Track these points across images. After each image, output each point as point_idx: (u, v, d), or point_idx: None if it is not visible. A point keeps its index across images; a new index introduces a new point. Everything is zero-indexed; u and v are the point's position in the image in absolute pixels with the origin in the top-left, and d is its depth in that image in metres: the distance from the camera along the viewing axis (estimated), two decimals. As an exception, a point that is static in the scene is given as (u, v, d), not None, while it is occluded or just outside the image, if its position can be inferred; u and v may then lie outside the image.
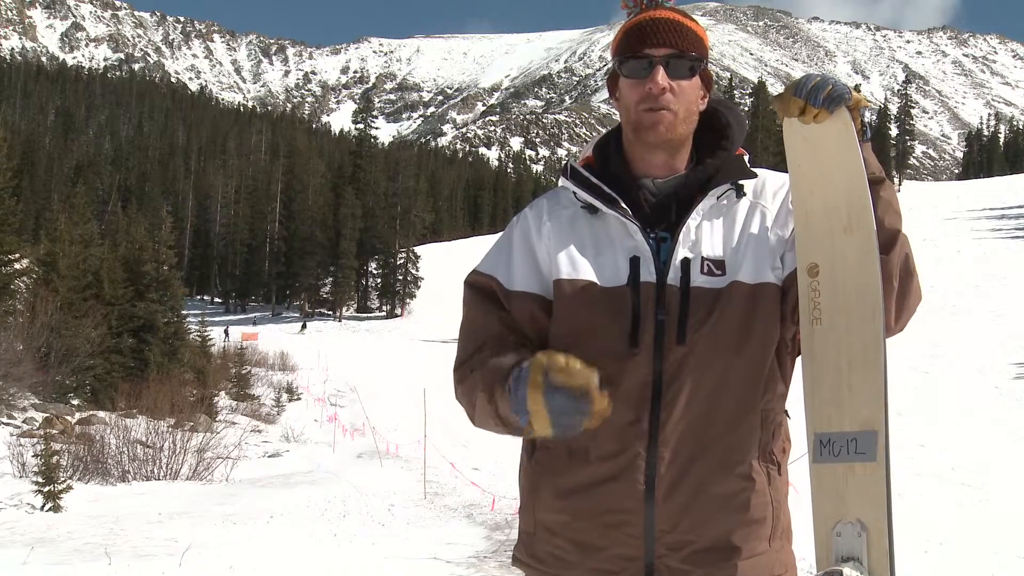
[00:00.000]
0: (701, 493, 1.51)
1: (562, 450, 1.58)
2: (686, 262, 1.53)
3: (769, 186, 1.63)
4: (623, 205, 1.56)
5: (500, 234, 1.72)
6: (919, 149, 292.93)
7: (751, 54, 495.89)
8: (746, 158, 1.64)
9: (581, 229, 1.60)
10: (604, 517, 1.53)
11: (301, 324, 56.75)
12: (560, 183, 1.67)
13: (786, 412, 1.65)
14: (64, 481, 8.25)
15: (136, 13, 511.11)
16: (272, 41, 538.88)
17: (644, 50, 1.55)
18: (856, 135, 1.45)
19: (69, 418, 15.41)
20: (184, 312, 25.68)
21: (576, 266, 1.57)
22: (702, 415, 1.50)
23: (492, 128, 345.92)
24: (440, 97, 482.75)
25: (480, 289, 1.64)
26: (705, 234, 1.56)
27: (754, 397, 1.53)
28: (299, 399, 25.79)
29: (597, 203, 1.58)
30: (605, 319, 1.53)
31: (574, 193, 1.62)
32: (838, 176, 1.48)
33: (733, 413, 1.52)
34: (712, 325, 1.51)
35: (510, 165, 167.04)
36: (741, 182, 1.60)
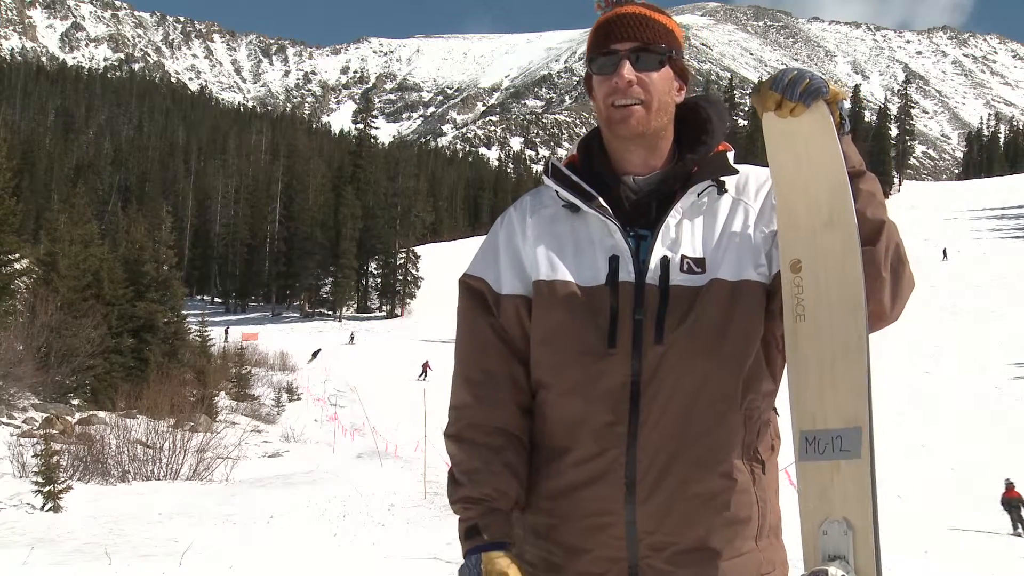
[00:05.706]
0: (682, 493, 1.49)
1: (546, 454, 1.58)
2: (665, 260, 1.52)
3: (752, 182, 1.62)
4: (602, 203, 1.56)
5: (489, 233, 1.72)
6: (919, 149, 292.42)
7: (751, 54, 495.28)
8: (730, 154, 1.63)
9: (562, 228, 1.60)
10: (587, 520, 1.52)
11: (349, 335, 48.92)
12: (544, 182, 1.67)
13: (775, 410, 1.63)
14: (64, 481, 8.27)
15: (136, 13, 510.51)
16: (272, 41, 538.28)
17: (611, 46, 1.56)
18: (835, 128, 1.44)
19: (69, 418, 15.42)
20: (184, 312, 25.71)
21: (554, 266, 1.57)
22: (682, 415, 1.49)
23: (492, 128, 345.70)
24: (440, 97, 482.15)
25: (473, 293, 1.65)
26: (685, 232, 1.55)
27: (735, 396, 1.52)
28: (299, 399, 25.82)
29: (577, 202, 1.58)
30: (583, 319, 1.52)
31: (556, 192, 1.62)
32: (817, 170, 1.47)
33: (714, 412, 1.50)
34: (691, 324, 1.49)
35: (510, 165, 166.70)
36: (723, 178, 1.59)
